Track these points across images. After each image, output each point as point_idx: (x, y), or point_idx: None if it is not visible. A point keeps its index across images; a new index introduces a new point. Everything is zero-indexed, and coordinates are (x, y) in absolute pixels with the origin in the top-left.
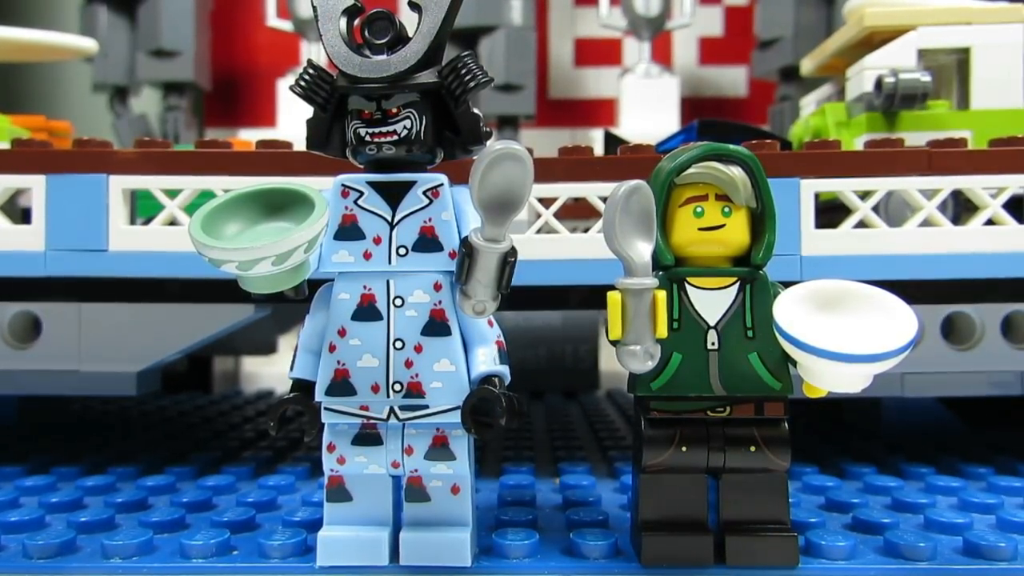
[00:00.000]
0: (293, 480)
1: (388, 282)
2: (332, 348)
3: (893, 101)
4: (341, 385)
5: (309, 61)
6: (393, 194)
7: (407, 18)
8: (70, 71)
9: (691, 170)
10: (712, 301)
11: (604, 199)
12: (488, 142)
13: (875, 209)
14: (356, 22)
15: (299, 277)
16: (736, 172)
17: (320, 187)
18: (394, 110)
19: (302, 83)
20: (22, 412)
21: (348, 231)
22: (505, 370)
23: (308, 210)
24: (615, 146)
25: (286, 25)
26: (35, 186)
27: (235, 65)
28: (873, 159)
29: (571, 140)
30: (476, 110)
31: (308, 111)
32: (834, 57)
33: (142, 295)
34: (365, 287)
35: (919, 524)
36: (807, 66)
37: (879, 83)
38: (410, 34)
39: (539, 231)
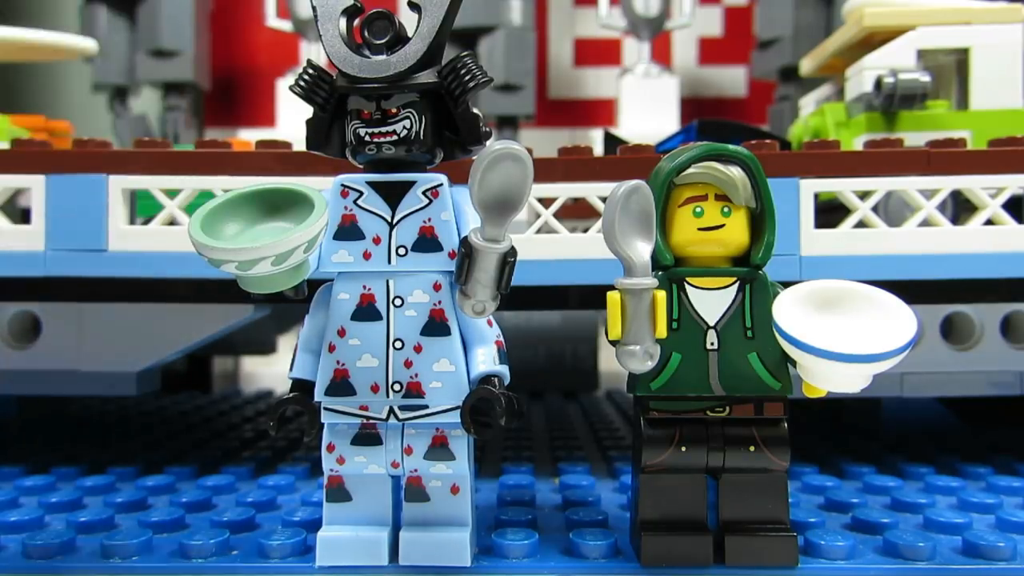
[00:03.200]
0: (293, 480)
1: (388, 282)
2: (332, 348)
3: (892, 101)
4: (341, 385)
5: (309, 61)
6: (393, 194)
7: (407, 18)
8: (70, 71)
9: (691, 170)
10: (711, 301)
11: (604, 199)
12: (488, 142)
13: (875, 209)
14: (356, 22)
15: (299, 277)
16: (736, 172)
17: (320, 187)
18: (393, 110)
19: (302, 83)
20: (22, 412)
21: (347, 231)
22: (504, 370)
23: (308, 210)
24: (615, 146)
25: (286, 25)
26: (35, 186)
27: (235, 65)
28: (873, 159)
29: (571, 140)
30: (476, 110)
31: (308, 111)
32: (833, 57)
33: (142, 295)
34: (364, 287)
35: (918, 524)
36: (806, 66)
37: (878, 83)
38: (410, 34)
39: (539, 231)
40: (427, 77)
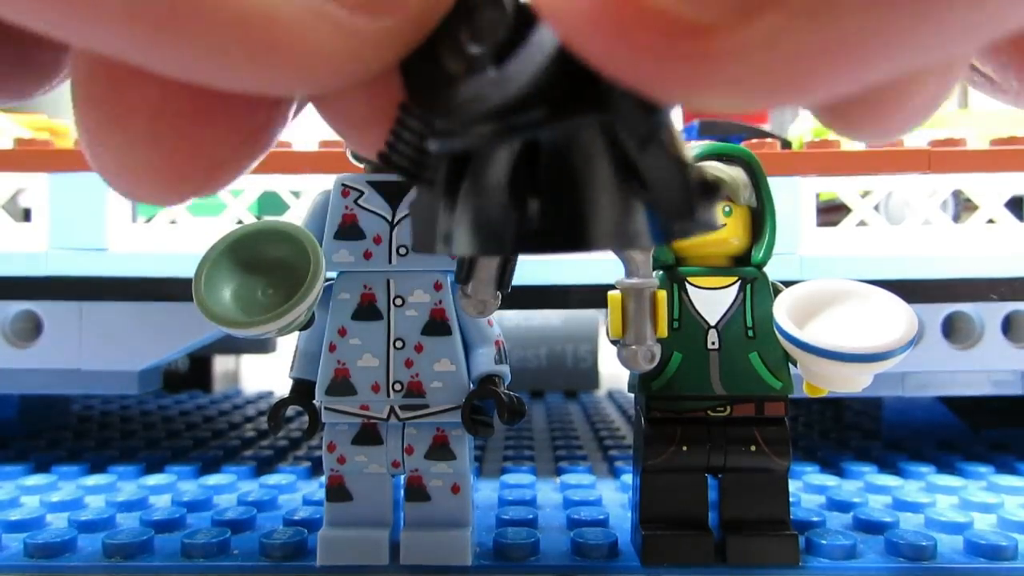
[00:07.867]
0: (294, 479)
1: (388, 281)
2: (332, 348)
3: None
4: (341, 385)
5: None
6: (393, 194)
7: None
8: None
9: None
10: (712, 301)
11: None
12: None
13: (875, 208)
14: None
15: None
16: (737, 171)
17: (321, 187)
18: None
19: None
20: (23, 411)
21: (348, 231)
22: (505, 369)
23: (295, 249)
24: None
25: None
26: (37, 185)
27: None
28: (873, 159)
29: None
30: None
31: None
32: None
33: (142, 294)
34: (365, 286)
35: (920, 523)
36: None
37: None
38: None
39: None
40: None
